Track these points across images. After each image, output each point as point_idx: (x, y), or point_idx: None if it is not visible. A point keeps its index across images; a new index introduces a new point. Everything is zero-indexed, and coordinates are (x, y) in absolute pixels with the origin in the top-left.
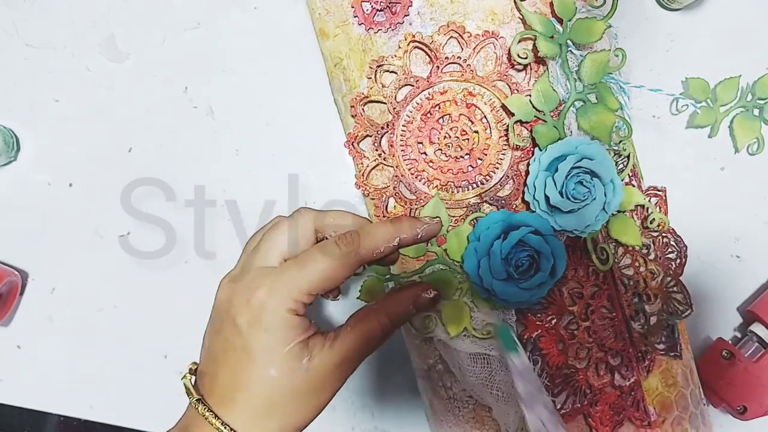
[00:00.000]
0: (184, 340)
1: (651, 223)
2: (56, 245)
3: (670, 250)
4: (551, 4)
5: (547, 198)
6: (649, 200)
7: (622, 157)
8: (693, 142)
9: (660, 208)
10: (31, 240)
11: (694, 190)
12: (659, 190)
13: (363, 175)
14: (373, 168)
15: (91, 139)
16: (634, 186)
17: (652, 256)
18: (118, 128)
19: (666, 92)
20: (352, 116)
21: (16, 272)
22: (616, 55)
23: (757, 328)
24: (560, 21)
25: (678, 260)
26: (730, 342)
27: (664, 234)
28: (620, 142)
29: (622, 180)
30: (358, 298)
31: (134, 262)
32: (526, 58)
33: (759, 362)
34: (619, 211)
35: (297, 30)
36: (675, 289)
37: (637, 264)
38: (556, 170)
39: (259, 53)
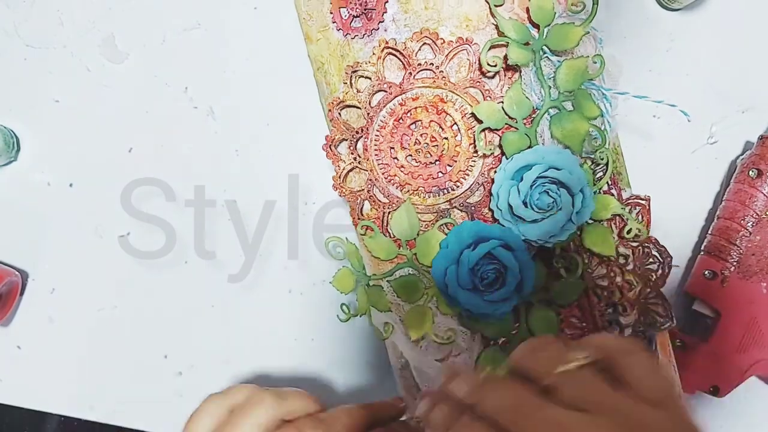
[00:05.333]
0: (184, 340)
1: (628, 233)
2: (56, 245)
3: (651, 260)
4: (528, 10)
5: (510, 207)
6: (630, 210)
7: (601, 165)
8: (687, 148)
9: (642, 217)
10: (31, 240)
11: (686, 197)
12: (642, 199)
13: (340, 177)
14: (350, 171)
15: (91, 139)
16: (613, 195)
17: (630, 267)
18: (118, 128)
19: (652, 99)
20: (330, 120)
21: (16, 272)
22: (595, 62)
23: (699, 306)
24: (536, 27)
25: (660, 271)
26: (680, 326)
27: (645, 244)
28: (596, 150)
29: (600, 189)
30: (330, 283)
31: (134, 262)
32: (495, 66)
33: (711, 339)
34: (594, 221)
35: (297, 30)
36: (655, 300)
37: (612, 274)
38: (522, 179)
39: (259, 53)
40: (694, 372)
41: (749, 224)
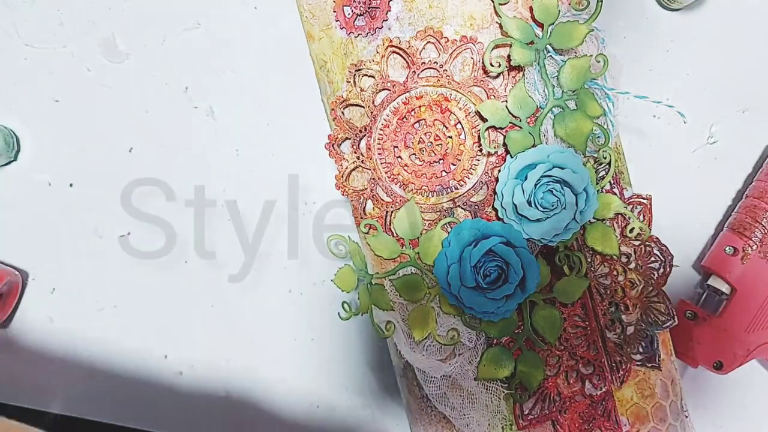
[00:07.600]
0: (184, 340)
1: (631, 232)
2: (56, 245)
3: (653, 259)
4: (531, 9)
5: (515, 206)
6: (632, 209)
7: (603, 164)
8: (687, 148)
9: (644, 216)
10: (31, 240)
11: (686, 196)
12: (644, 199)
13: (343, 176)
14: (353, 170)
15: (91, 139)
16: (615, 194)
17: (632, 265)
18: (118, 128)
19: (651, 99)
20: (333, 119)
21: (16, 272)
22: (598, 61)
23: (714, 282)
24: (540, 25)
25: (661, 270)
26: (692, 301)
27: (647, 243)
28: (599, 149)
29: (603, 188)
30: (332, 280)
31: (134, 262)
32: (498, 66)
33: (723, 315)
34: (597, 220)
35: (297, 30)
36: (656, 299)
37: (614, 273)
38: (526, 178)
39: (259, 53)
40: (701, 344)
41: None
